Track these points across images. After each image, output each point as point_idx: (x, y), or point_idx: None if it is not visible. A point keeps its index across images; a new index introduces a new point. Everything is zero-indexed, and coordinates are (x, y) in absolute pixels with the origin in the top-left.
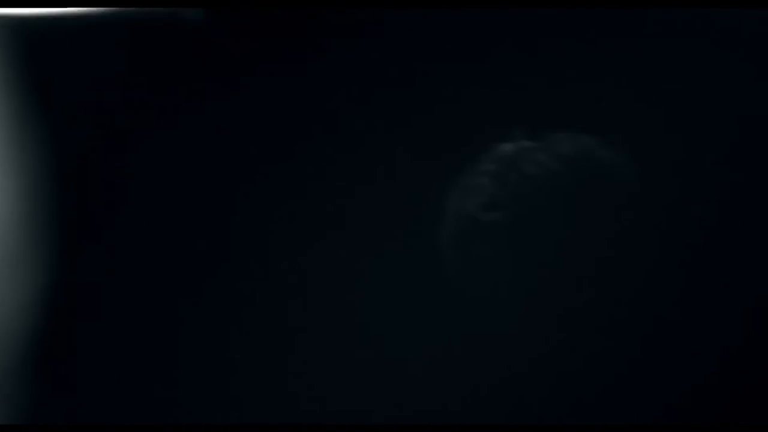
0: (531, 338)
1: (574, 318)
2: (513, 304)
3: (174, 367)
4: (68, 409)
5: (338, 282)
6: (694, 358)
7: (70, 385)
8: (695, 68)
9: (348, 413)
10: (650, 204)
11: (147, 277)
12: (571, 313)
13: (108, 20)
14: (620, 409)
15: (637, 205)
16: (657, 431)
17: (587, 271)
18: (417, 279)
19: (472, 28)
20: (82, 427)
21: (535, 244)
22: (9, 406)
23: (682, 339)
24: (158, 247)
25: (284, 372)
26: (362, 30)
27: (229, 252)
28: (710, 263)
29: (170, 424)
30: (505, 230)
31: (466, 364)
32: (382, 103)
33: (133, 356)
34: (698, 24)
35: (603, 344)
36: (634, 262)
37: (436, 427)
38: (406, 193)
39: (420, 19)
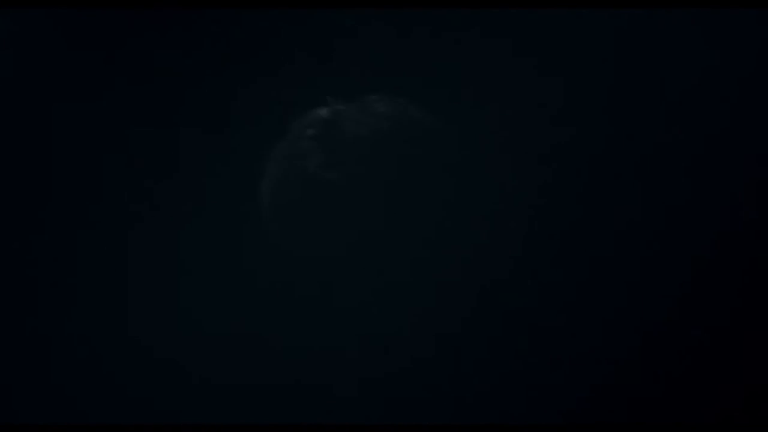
0: (364, 294)
1: (404, 271)
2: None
3: None
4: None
5: (166, 250)
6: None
7: None
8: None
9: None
10: (469, 162)
11: None
12: (401, 265)
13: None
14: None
15: (456, 158)
16: (657, 431)
17: (417, 223)
18: (244, 244)
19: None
20: (82, 427)
21: (366, 200)
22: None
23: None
24: None
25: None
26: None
27: None
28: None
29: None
30: (335, 189)
31: (293, 323)
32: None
33: None
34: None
35: (426, 299)
36: (460, 217)
37: (435, 427)
38: (232, 162)
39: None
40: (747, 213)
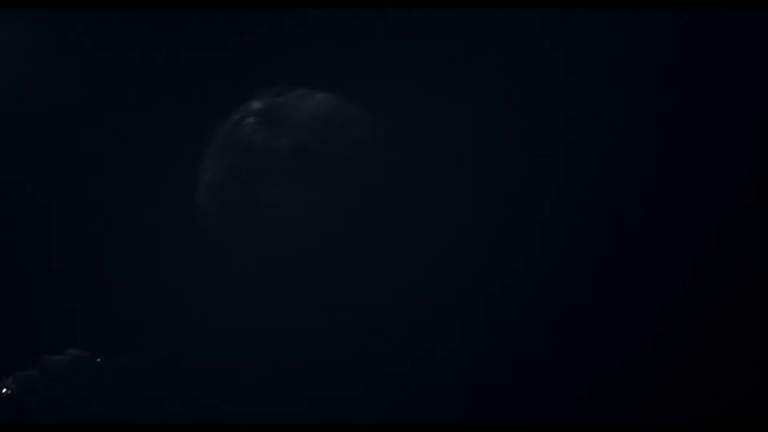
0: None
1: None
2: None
3: None
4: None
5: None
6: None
7: None
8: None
9: None
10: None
11: None
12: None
13: None
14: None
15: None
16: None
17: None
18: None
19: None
20: (82, 427)
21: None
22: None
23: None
24: None
25: None
26: None
27: None
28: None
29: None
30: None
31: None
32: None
33: None
34: None
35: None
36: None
37: (436, 427)
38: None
39: None
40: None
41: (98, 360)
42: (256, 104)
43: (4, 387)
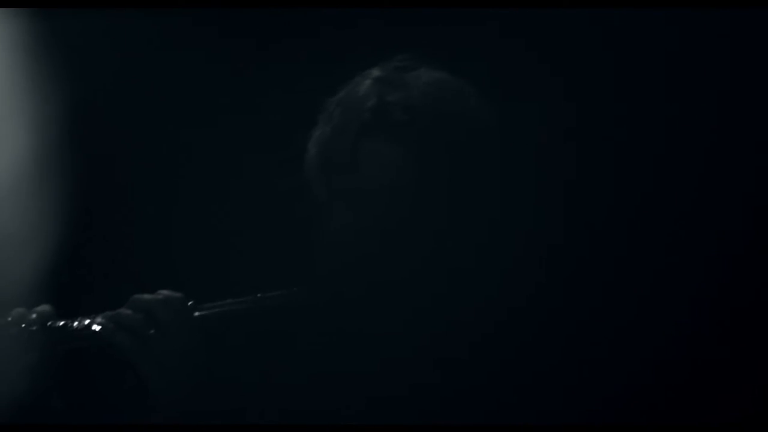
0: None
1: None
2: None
3: None
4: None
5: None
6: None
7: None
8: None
9: None
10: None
11: None
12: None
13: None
14: None
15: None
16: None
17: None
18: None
19: None
20: (82, 427)
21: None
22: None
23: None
24: None
25: None
26: None
27: None
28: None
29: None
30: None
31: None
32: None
33: None
34: None
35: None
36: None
37: (438, 427)
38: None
39: None
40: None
41: (190, 303)
42: (376, 71)
43: (96, 324)
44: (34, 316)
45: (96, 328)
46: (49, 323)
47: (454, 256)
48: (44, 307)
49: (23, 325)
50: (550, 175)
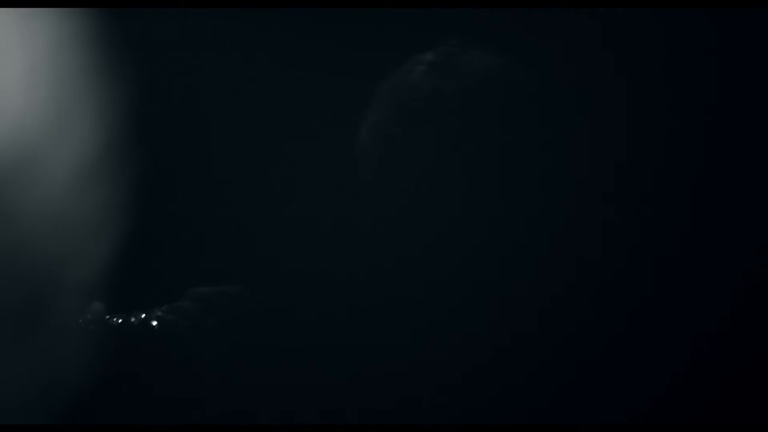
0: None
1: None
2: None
3: None
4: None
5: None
6: None
7: None
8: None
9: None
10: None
11: None
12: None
13: None
14: None
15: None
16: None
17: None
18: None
19: None
20: (82, 427)
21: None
22: None
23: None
24: None
25: None
26: None
27: None
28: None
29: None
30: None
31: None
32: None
33: None
34: None
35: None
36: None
37: (437, 427)
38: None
39: None
40: None
41: (247, 295)
42: (429, 56)
43: (155, 319)
44: (91, 314)
45: (154, 323)
46: (107, 318)
47: (506, 247)
48: (99, 304)
49: (82, 321)
50: (602, 163)
